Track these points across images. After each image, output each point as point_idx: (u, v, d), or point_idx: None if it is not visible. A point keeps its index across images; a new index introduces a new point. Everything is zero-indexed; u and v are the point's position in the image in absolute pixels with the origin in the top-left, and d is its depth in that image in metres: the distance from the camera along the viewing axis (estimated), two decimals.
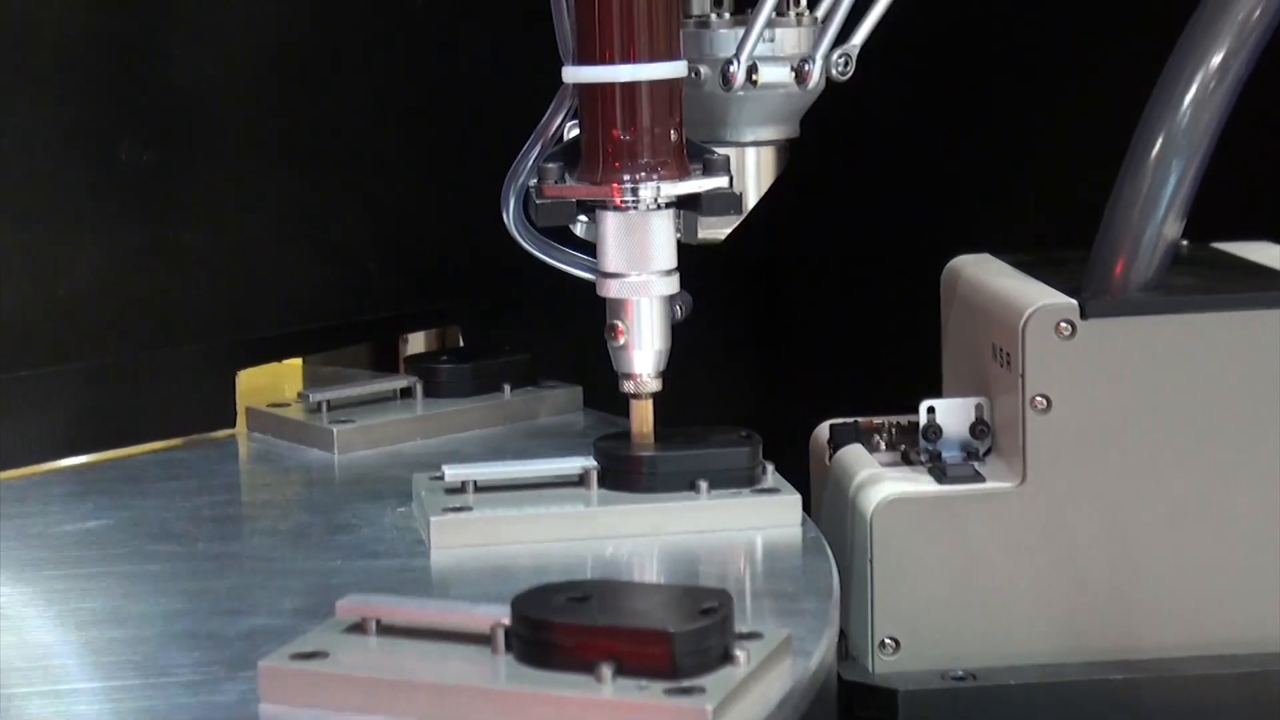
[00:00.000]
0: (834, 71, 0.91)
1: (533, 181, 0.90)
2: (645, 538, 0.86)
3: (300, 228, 1.16)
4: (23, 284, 1.03)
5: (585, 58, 0.87)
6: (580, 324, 0.96)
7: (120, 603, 0.82)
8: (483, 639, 0.69)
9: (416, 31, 1.21)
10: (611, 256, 0.88)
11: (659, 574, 0.84)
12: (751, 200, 0.95)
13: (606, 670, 0.65)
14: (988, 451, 0.91)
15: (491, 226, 0.94)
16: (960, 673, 0.87)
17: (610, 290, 0.89)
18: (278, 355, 1.18)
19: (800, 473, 0.99)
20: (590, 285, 0.92)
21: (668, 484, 0.88)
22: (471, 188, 1.24)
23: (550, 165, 0.89)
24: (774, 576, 0.84)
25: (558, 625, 0.67)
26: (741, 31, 0.91)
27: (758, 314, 1.43)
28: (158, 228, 1.09)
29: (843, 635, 0.88)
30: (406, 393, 1.10)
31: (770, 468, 0.90)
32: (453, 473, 0.89)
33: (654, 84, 0.86)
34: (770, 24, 0.90)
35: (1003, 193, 1.02)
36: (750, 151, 0.94)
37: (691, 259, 0.91)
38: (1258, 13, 0.87)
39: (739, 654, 0.67)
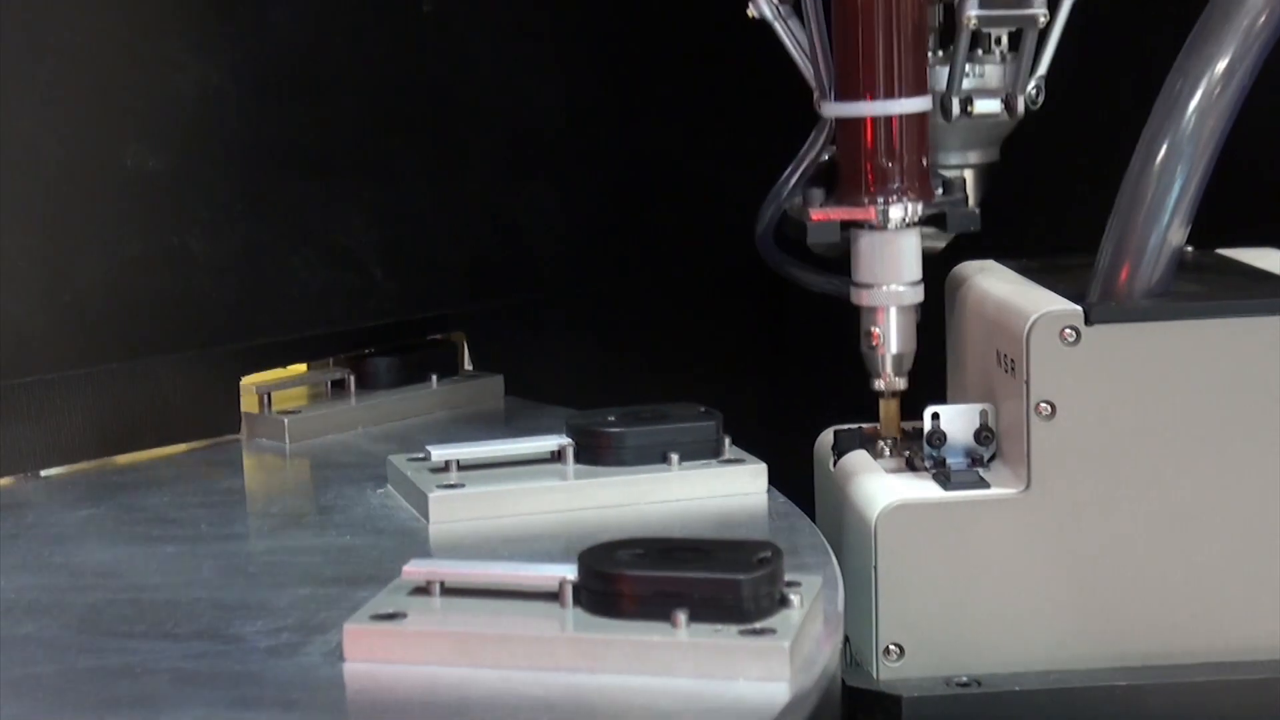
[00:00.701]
0: (1030, 100, 0.99)
1: (783, 207, 0.99)
2: (626, 507, 0.92)
3: (305, 234, 1.16)
4: (28, 290, 1.03)
5: (846, 94, 0.95)
6: (583, 329, 0.96)
7: (159, 581, 0.85)
8: (549, 595, 0.74)
9: (422, 38, 1.21)
10: (868, 269, 0.96)
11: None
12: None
13: (681, 616, 0.71)
14: (992, 458, 0.91)
15: (495, 233, 0.94)
16: (964, 679, 0.87)
17: (866, 299, 0.96)
18: (283, 361, 1.18)
19: (804, 479, 0.99)
20: (590, 296, 0.93)
21: (639, 457, 0.95)
22: (476, 194, 1.25)
23: (815, 190, 0.97)
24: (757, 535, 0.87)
25: (630, 576, 0.72)
26: (947, 67, 0.98)
27: (762, 319, 1.43)
28: (163, 234, 1.09)
29: (847, 641, 0.88)
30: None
31: (728, 440, 0.96)
32: (438, 453, 0.95)
33: (908, 117, 0.95)
34: (976, 60, 0.99)
35: (1007, 198, 1.02)
36: (966, 173, 1.02)
37: (700, 266, 0.92)
38: (1262, 19, 0.87)
39: (793, 598, 0.73)
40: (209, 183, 1.11)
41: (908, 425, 0.97)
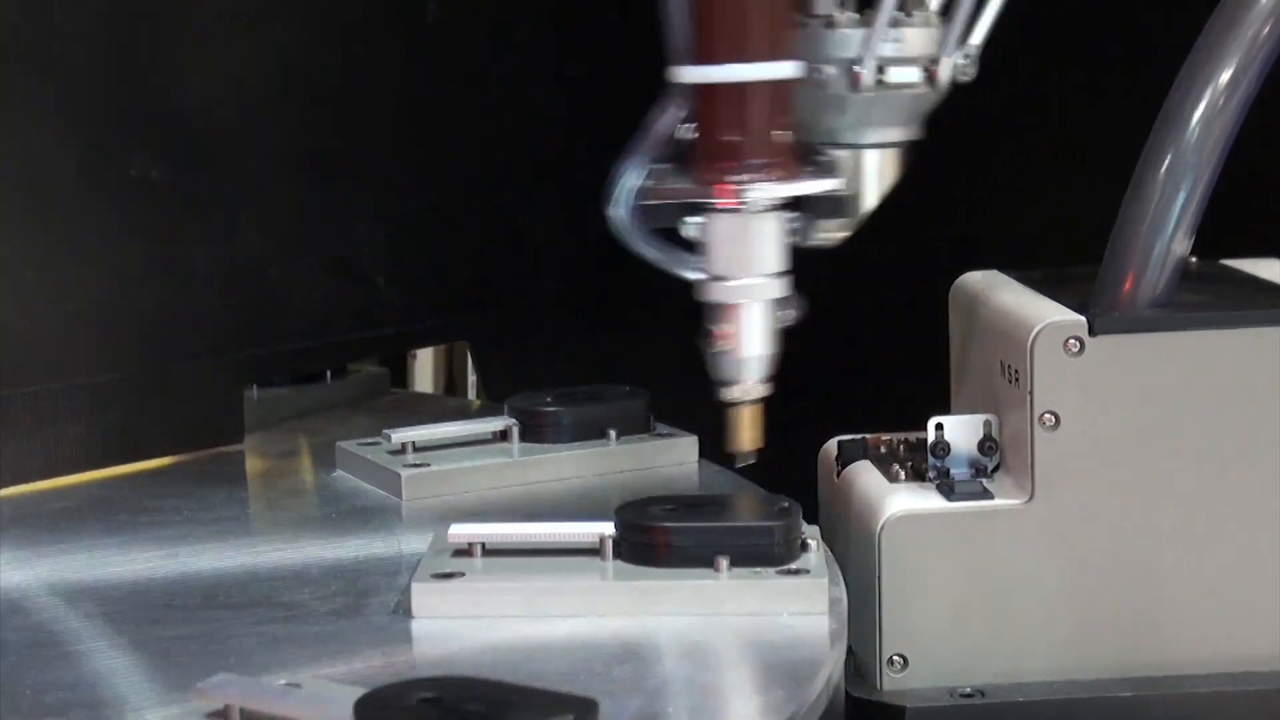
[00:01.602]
0: (957, 71, 0.90)
1: (639, 182, 0.89)
2: (575, 479, 0.99)
3: (309, 243, 1.16)
4: (32, 300, 1.03)
5: (698, 57, 0.86)
6: (587, 337, 0.96)
7: (192, 564, 0.90)
8: (589, 551, 0.81)
9: (426, 46, 1.21)
10: (720, 258, 0.87)
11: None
12: (870, 203, 0.93)
13: (723, 561, 0.78)
14: (996, 468, 0.91)
15: (500, 242, 0.94)
16: (968, 690, 0.87)
17: (717, 293, 0.87)
18: (287, 370, 1.18)
19: (809, 489, 0.99)
20: (595, 304, 0.92)
21: (579, 434, 0.99)
22: (480, 203, 1.25)
23: (660, 165, 0.88)
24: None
25: (669, 528, 0.79)
26: (866, 31, 0.89)
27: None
28: (167, 244, 1.09)
29: (851, 652, 0.88)
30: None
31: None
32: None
33: (767, 84, 0.85)
34: (895, 24, 0.89)
35: (1011, 209, 1.02)
36: (871, 153, 0.92)
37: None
38: (1266, 29, 0.87)
39: (810, 543, 0.81)
40: (213, 192, 1.11)
41: (912, 435, 0.96)
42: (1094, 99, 1.16)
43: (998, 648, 0.87)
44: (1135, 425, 0.87)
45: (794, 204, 0.87)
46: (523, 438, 1.02)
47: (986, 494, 0.88)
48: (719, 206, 0.86)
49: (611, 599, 0.79)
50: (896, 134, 0.91)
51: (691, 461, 1.02)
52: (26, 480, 1.03)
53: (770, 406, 0.90)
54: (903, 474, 0.93)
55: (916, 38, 0.89)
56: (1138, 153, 0.89)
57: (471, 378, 1.24)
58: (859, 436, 0.97)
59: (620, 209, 0.90)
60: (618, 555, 0.80)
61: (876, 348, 1.32)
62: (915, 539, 0.87)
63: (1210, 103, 0.87)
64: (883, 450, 0.96)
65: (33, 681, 0.74)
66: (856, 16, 0.90)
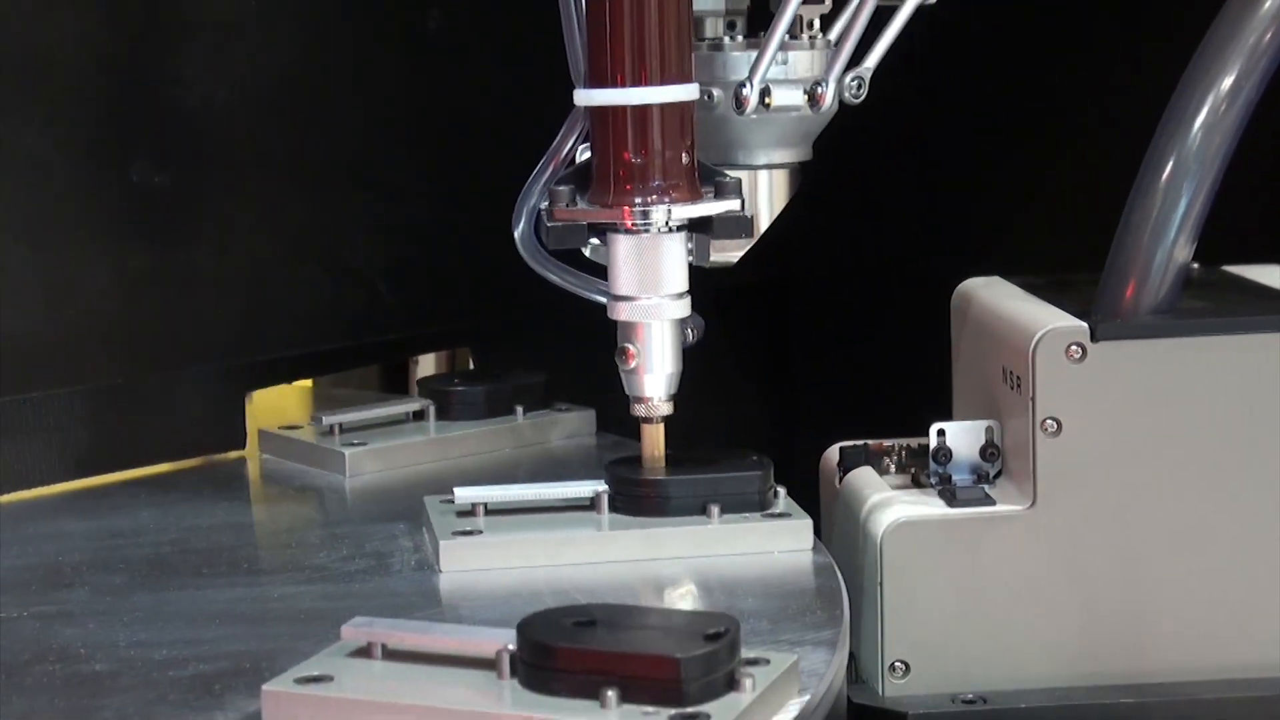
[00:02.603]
0: (847, 94, 0.91)
1: (544, 204, 0.90)
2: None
3: (310, 249, 1.16)
4: (34, 305, 1.03)
5: (596, 80, 0.87)
6: (589, 344, 0.96)
7: (202, 543, 0.92)
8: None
9: (427, 53, 1.21)
10: (623, 279, 0.88)
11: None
12: (764, 223, 0.95)
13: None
14: (998, 474, 0.91)
15: (501, 247, 0.94)
16: (970, 696, 0.87)
17: (621, 313, 0.89)
18: (288, 377, 1.18)
19: (810, 495, 0.99)
20: (600, 307, 0.92)
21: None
22: (481, 209, 1.24)
23: (562, 188, 0.89)
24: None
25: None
26: (754, 54, 0.90)
27: (768, 336, 1.43)
28: (168, 249, 1.09)
29: (852, 658, 0.88)
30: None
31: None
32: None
33: (665, 107, 0.86)
34: (783, 47, 0.90)
35: (1013, 215, 1.02)
36: (763, 174, 0.94)
37: (702, 282, 0.92)
38: (1268, 36, 0.87)
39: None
40: (215, 198, 1.11)
41: (913, 441, 0.96)
42: (1096, 105, 1.16)
43: (999, 654, 0.87)
44: (1137, 431, 0.87)
45: (693, 224, 0.88)
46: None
47: (988, 500, 0.88)
48: (621, 228, 0.87)
49: (619, 546, 0.86)
50: (785, 155, 0.92)
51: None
52: (28, 486, 1.03)
53: (771, 410, 0.90)
54: (904, 480, 0.94)
55: (803, 60, 0.90)
56: (1140, 159, 0.89)
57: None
58: (860, 442, 0.97)
59: (524, 231, 0.91)
60: (614, 509, 0.88)
61: (878, 354, 1.32)
62: (917, 545, 0.87)
63: (1212, 109, 0.87)
64: (884, 456, 0.96)
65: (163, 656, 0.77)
66: (743, 40, 0.91)
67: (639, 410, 0.90)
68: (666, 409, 0.90)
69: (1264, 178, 1.06)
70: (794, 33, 0.91)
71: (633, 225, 0.87)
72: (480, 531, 0.88)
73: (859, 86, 0.90)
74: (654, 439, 0.91)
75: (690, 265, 0.90)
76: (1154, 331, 0.87)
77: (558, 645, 0.67)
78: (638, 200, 0.86)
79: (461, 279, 1.23)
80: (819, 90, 0.89)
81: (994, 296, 0.96)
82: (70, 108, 1.04)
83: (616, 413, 1.01)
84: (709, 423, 0.99)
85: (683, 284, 0.88)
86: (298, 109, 1.14)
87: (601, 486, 0.90)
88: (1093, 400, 0.86)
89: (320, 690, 0.68)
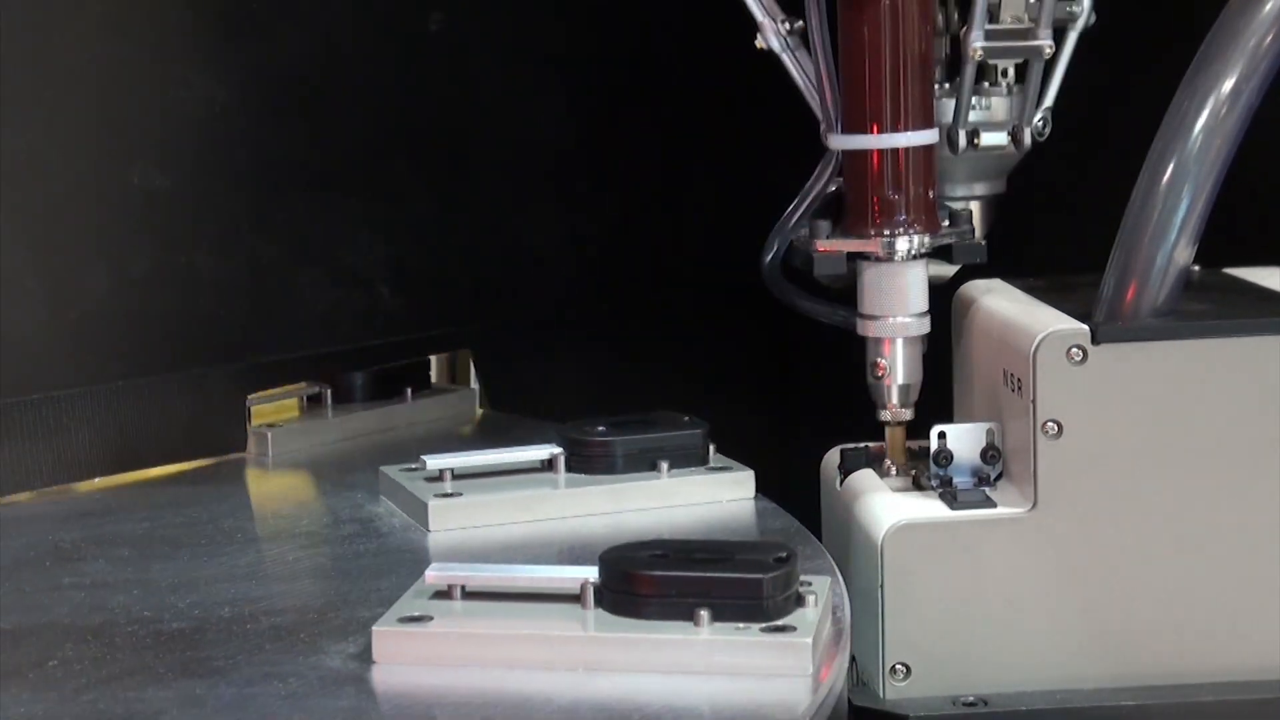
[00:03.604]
0: (1035, 133, 1.00)
1: (789, 239, 0.99)
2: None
3: (312, 252, 1.16)
4: (36, 307, 1.03)
5: (853, 126, 0.96)
6: (589, 348, 0.96)
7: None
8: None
9: (428, 57, 1.21)
10: (873, 301, 0.96)
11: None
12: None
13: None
14: (999, 477, 0.91)
15: (502, 250, 0.94)
16: (971, 698, 0.87)
17: (873, 330, 0.97)
18: (290, 379, 1.18)
19: (811, 497, 0.99)
20: (601, 313, 0.92)
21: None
22: (483, 212, 1.25)
23: (822, 222, 0.97)
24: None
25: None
26: (954, 100, 0.99)
27: (769, 338, 1.43)
28: (170, 252, 1.09)
29: (853, 661, 0.88)
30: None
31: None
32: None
33: (914, 150, 0.95)
34: (983, 93, 1.00)
35: (1014, 218, 1.02)
36: (975, 205, 1.02)
37: (704, 282, 0.92)
38: (1269, 38, 0.87)
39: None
40: (216, 201, 1.11)
41: (914, 444, 0.96)
42: (1097, 107, 1.16)
43: (1000, 656, 0.87)
44: (1138, 434, 0.87)
45: (934, 251, 0.97)
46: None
47: (989, 502, 0.88)
48: (879, 257, 0.96)
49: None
50: (986, 188, 1.02)
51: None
52: (30, 487, 1.03)
53: (772, 412, 0.90)
54: (905, 482, 0.94)
55: (1001, 105, 1.00)
56: (1141, 161, 0.89)
57: (474, 386, 1.24)
58: (861, 445, 0.98)
59: (770, 262, 0.99)
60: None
61: None
62: (918, 548, 0.87)
63: (1213, 112, 0.87)
64: (885, 458, 0.96)
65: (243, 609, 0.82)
66: (948, 87, 0.99)
67: (885, 416, 0.97)
68: (908, 415, 0.97)
69: (1265, 180, 1.06)
70: (992, 79, 1.00)
71: (884, 254, 0.95)
72: (460, 494, 0.95)
73: (1044, 124, 1.00)
74: (897, 442, 0.97)
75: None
76: (1155, 334, 0.87)
77: (644, 573, 0.74)
78: (889, 231, 0.95)
79: (463, 282, 1.24)
80: (1019, 132, 0.99)
81: (995, 299, 0.96)
82: (72, 109, 1.04)
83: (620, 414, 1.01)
84: (710, 424, 0.99)
85: (924, 305, 0.97)
86: (300, 111, 1.15)
87: (555, 449, 0.98)
88: (1093, 403, 0.86)
89: (426, 628, 0.75)
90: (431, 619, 0.75)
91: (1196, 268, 0.92)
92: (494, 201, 1.25)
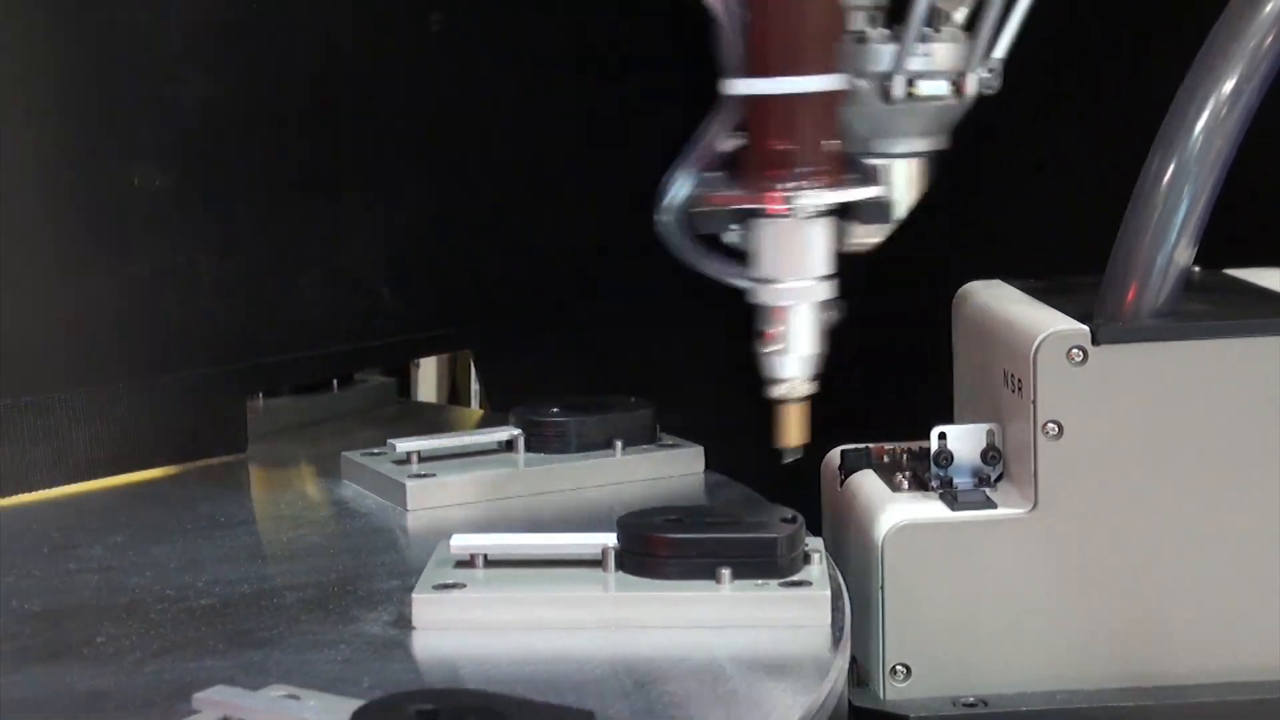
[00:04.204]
0: (982, 84, 0.93)
1: (682, 192, 0.91)
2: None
3: (312, 252, 1.16)
4: (34, 308, 1.03)
5: (753, 70, 0.89)
6: (590, 350, 0.96)
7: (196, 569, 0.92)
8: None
9: (429, 57, 1.21)
10: (769, 262, 0.89)
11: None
12: (902, 210, 0.95)
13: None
14: (999, 477, 0.91)
15: (503, 251, 0.94)
16: (971, 699, 0.87)
17: (767, 296, 0.90)
18: (290, 380, 1.18)
19: (812, 499, 0.99)
20: (603, 315, 0.92)
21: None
22: (483, 212, 1.25)
23: (711, 174, 0.91)
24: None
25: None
26: (896, 47, 0.91)
27: None
28: (170, 253, 1.09)
29: (854, 661, 0.88)
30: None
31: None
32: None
33: (814, 96, 0.88)
34: (925, 39, 0.91)
35: (1014, 218, 1.02)
36: (902, 163, 0.95)
37: (704, 286, 0.92)
38: (1270, 39, 0.87)
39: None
40: (216, 201, 1.11)
41: (915, 445, 0.96)
42: (1097, 108, 1.16)
43: (1000, 657, 0.87)
44: (1138, 435, 0.87)
45: (834, 210, 0.89)
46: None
47: (989, 503, 0.88)
48: (770, 213, 0.88)
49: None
50: (925, 144, 0.94)
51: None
52: (29, 489, 1.03)
53: (772, 416, 0.90)
54: (906, 483, 0.93)
55: (944, 52, 0.92)
56: (1141, 162, 0.89)
57: (475, 387, 1.24)
58: (862, 446, 0.97)
59: (669, 217, 0.92)
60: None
61: (880, 357, 1.32)
62: (918, 548, 0.87)
63: (1213, 112, 0.87)
64: (886, 460, 0.96)
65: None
66: (887, 32, 0.93)
67: (779, 390, 0.91)
68: (807, 389, 0.91)
69: (1265, 181, 1.06)
70: (935, 25, 0.92)
71: (778, 210, 0.88)
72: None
73: (994, 76, 0.92)
74: (795, 419, 0.91)
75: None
76: (1155, 335, 0.87)
77: (665, 536, 0.78)
78: (784, 186, 0.88)
79: (463, 282, 1.24)
80: (963, 80, 0.91)
81: (995, 299, 0.96)
82: (72, 110, 1.04)
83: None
84: (710, 425, 0.99)
85: (827, 267, 0.89)
86: (300, 111, 1.14)
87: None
88: (1094, 403, 0.86)
89: (462, 594, 0.79)
90: (465, 586, 0.80)
91: (1196, 268, 0.92)
92: (494, 201, 1.25)
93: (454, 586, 0.80)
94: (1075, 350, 0.86)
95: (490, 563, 0.82)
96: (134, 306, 1.08)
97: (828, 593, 0.78)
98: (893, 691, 0.87)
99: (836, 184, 0.89)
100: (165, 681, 0.75)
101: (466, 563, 0.82)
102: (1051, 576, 0.87)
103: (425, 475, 0.99)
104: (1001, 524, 0.87)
